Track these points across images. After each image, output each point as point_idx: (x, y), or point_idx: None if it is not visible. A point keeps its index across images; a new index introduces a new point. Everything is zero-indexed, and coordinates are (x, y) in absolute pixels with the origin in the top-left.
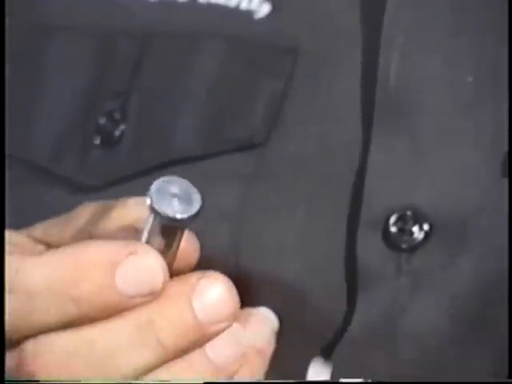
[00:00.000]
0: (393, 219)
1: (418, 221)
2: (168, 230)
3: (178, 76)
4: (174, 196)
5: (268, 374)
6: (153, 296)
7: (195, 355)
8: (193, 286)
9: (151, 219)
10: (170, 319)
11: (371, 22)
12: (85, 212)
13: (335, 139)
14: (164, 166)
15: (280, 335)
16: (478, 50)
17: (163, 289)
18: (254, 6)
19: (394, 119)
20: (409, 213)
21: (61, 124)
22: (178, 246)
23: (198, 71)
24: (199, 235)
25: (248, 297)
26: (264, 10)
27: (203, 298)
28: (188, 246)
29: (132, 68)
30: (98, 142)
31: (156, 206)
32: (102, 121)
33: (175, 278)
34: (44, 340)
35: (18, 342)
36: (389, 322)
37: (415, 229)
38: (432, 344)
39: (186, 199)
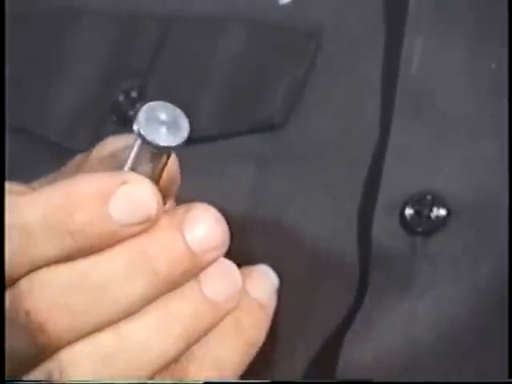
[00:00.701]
0: (410, 203)
1: (436, 205)
2: (154, 157)
3: (199, 58)
4: (161, 123)
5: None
6: (148, 224)
7: (189, 288)
8: (183, 216)
9: (137, 146)
10: (162, 248)
11: (395, 7)
12: (74, 163)
13: (355, 123)
14: None
15: (296, 311)
16: (502, 37)
17: (158, 216)
18: None
19: (415, 104)
20: (428, 197)
21: (78, 100)
22: (162, 172)
23: (219, 54)
24: None
25: None
26: None
27: (194, 227)
28: (169, 169)
29: (153, 49)
30: (114, 119)
31: (144, 133)
32: (121, 99)
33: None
34: (38, 275)
35: (15, 282)
36: (404, 304)
37: (432, 213)
38: (448, 330)
39: (174, 126)
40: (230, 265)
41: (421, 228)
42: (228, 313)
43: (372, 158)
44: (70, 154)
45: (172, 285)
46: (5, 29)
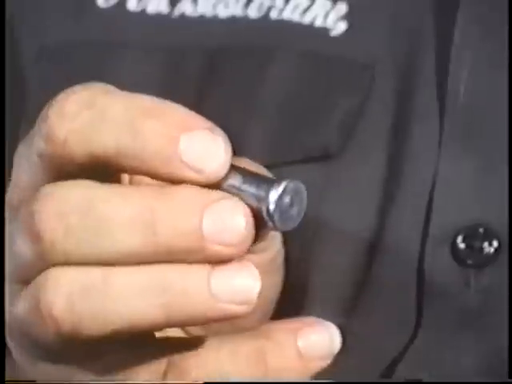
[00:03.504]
0: (462, 235)
1: (488, 237)
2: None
3: (249, 89)
4: (290, 206)
5: None
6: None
7: (195, 269)
8: (208, 199)
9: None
10: (173, 216)
11: (442, 38)
12: None
13: (407, 154)
14: None
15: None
16: None
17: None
18: (329, 23)
19: (464, 135)
20: (480, 230)
21: None
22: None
23: (270, 84)
24: None
25: (309, 308)
26: (340, 28)
27: (214, 212)
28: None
29: (201, 82)
30: None
31: (276, 216)
32: None
33: None
34: (57, 188)
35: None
36: (455, 337)
37: (485, 245)
38: (496, 359)
39: (295, 206)
40: (249, 269)
41: (472, 261)
42: (230, 316)
43: (423, 188)
44: None
45: (173, 256)
46: (5, 30)
